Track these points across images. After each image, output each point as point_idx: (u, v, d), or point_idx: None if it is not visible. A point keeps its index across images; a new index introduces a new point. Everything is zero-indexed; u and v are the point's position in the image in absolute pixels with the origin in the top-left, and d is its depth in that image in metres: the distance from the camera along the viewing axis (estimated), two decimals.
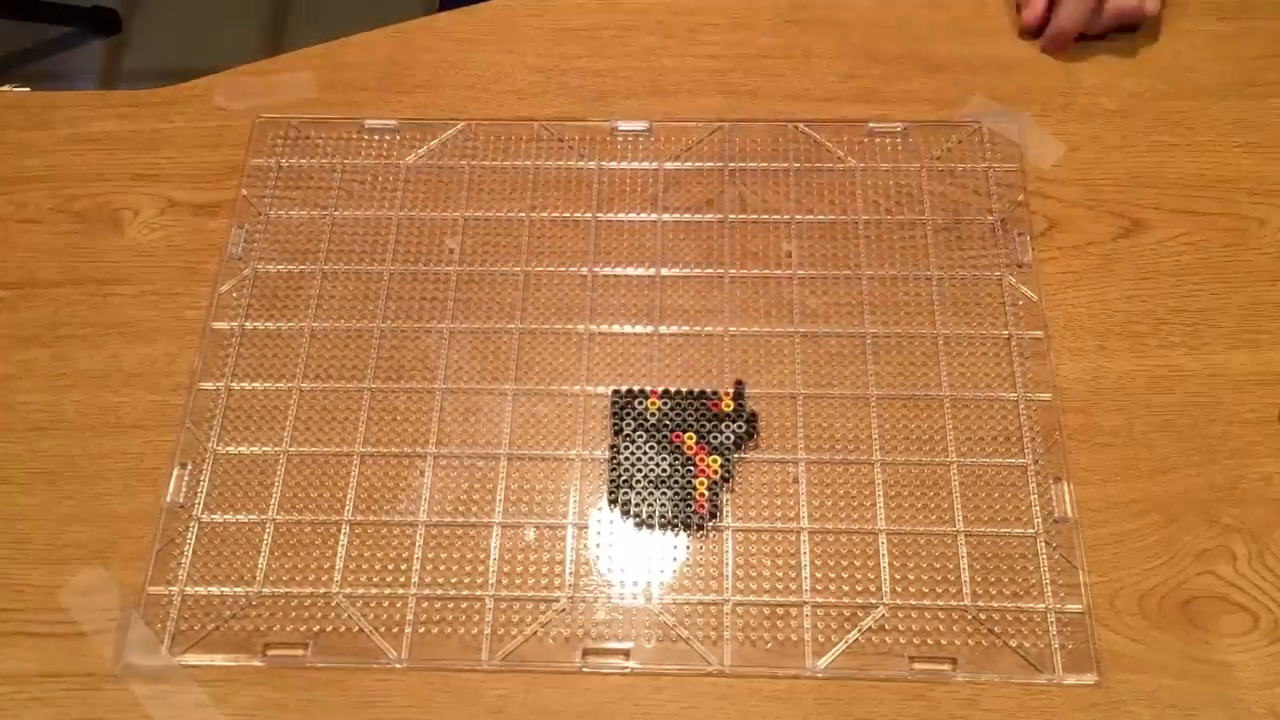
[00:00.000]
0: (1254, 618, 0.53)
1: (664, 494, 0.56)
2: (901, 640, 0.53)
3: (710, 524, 0.55)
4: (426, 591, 0.54)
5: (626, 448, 0.57)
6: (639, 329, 0.61)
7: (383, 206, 0.65)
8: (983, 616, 0.53)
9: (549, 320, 0.61)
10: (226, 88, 0.70)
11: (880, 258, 0.62)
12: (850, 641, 0.53)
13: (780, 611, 0.53)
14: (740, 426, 0.57)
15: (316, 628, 0.54)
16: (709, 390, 0.58)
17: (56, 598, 0.54)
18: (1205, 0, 0.71)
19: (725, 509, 0.56)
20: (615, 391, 0.58)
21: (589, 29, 0.72)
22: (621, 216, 0.64)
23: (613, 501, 0.56)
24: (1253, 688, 0.51)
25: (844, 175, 0.65)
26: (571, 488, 0.57)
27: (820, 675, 0.52)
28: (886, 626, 0.53)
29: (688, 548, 0.55)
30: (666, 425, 0.58)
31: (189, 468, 0.57)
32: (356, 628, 0.53)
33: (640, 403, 0.58)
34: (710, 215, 0.64)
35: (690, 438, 0.57)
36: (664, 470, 0.57)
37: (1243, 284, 0.61)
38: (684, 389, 0.58)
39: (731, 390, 0.58)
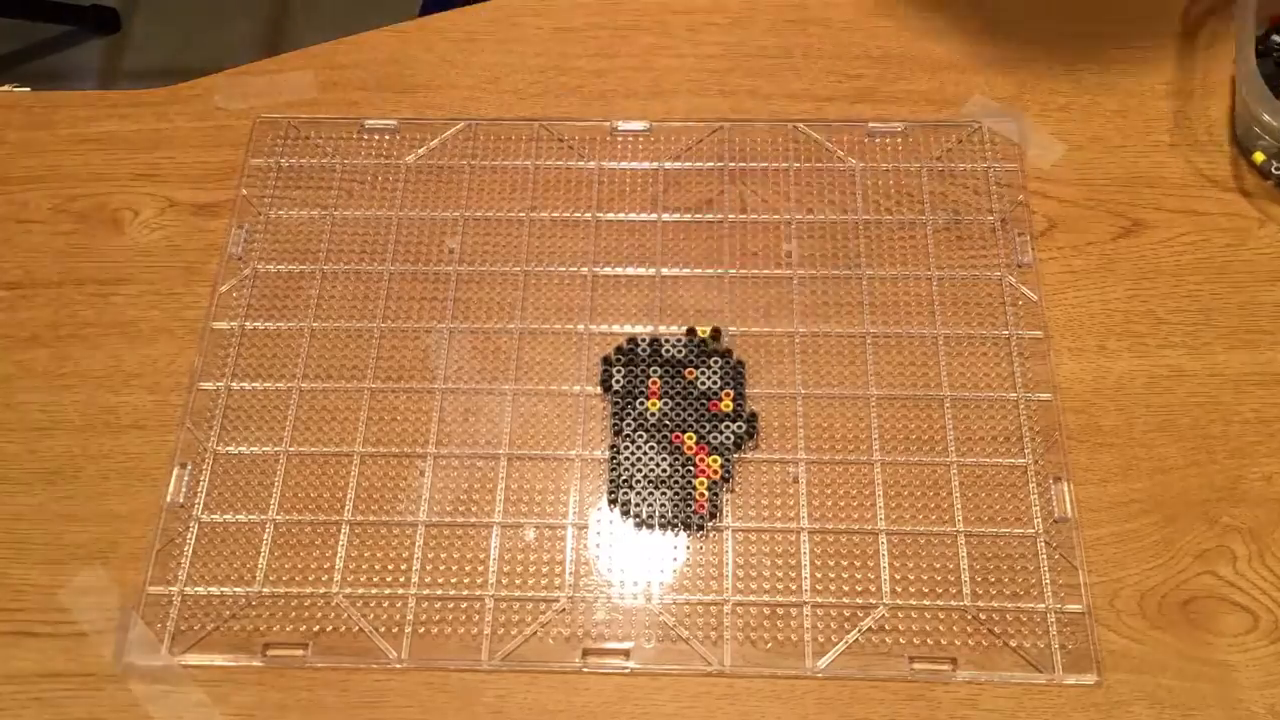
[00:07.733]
0: (1254, 618, 0.53)
1: (664, 494, 0.56)
2: (901, 640, 0.53)
3: (710, 524, 0.55)
4: (426, 591, 0.54)
5: (626, 448, 0.57)
6: (639, 328, 0.61)
7: (383, 206, 0.65)
8: (983, 616, 0.53)
9: (549, 320, 0.61)
10: (226, 88, 0.70)
11: (880, 257, 0.62)
12: (850, 641, 0.53)
13: (780, 611, 0.53)
14: (740, 426, 0.57)
15: (316, 628, 0.54)
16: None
17: (56, 598, 0.54)
18: (1206, 2, 0.71)
19: (725, 509, 0.56)
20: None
21: (589, 29, 0.72)
22: (621, 216, 0.64)
23: (613, 501, 0.56)
24: (1253, 688, 0.51)
25: (844, 175, 0.65)
26: (571, 488, 0.57)
27: (820, 675, 0.52)
28: (886, 626, 0.53)
29: (688, 548, 0.55)
30: (666, 425, 0.58)
31: (189, 468, 0.57)
32: (356, 628, 0.53)
33: (640, 402, 0.58)
34: (710, 215, 0.64)
35: (690, 438, 0.57)
36: (664, 470, 0.57)
37: (1243, 284, 0.61)
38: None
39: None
